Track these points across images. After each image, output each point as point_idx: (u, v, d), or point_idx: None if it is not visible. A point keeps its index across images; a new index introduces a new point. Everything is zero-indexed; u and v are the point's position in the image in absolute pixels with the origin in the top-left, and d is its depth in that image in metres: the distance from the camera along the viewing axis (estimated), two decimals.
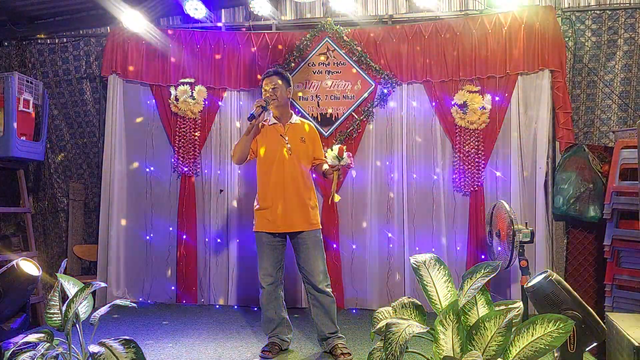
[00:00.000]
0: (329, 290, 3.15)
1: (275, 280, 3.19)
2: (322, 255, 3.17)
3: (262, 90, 3.20)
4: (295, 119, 3.29)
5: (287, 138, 3.18)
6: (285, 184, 3.12)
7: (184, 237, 4.63)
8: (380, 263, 4.46)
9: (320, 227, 3.24)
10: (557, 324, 1.79)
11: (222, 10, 4.83)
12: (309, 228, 3.15)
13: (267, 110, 3.16)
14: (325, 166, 3.16)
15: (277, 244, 3.17)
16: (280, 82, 3.18)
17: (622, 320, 2.71)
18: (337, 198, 3.23)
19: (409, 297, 2.15)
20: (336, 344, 3.12)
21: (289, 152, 3.15)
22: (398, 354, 1.70)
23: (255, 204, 3.25)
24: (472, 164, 4.29)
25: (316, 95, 4.57)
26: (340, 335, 3.20)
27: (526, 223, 3.72)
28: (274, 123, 3.23)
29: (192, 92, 4.60)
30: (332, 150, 3.06)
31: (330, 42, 4.54)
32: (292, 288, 4.45)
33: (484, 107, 4.26)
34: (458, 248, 4.37)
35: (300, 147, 3.19)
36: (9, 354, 2.44)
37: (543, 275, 2.41)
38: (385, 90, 4.46)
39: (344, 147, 3.07)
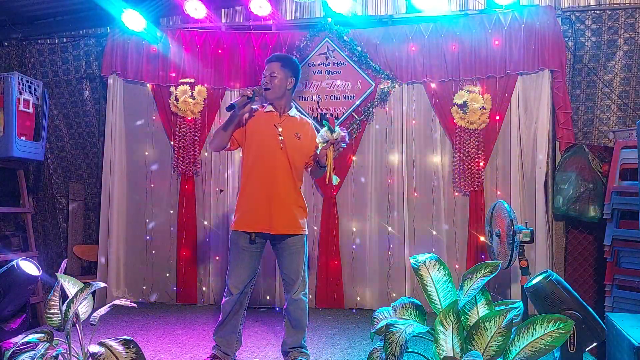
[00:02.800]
0: (305, 298, 2.91)
1: (246, 289, 2.89)
2: (304, 261, 2.91)
3: (262, 76, 2.91)
4: (295, 112, 2.97)
5: (280, 129, 2.85)
6: (273, 180, 2.81)
7: (184, 237, 4.63)
8: (380, 263, 4.46)
9: (306, 232, 2.94)
10: (557, 324, 1.79)
11: (222, 10, 4.83)
12: (294, 232, 2.85)
13: (254, 101, 2.83)
14: (318, 151, 2.79)
15: (255, 251, 2.86)
16: (280, 69, 2.85)
17: (622, 320, 2.71)
18: (335, 180, 2.81)
19: (409, 297, 2.15)
20: (293, 359, 2.89)
21: (282, 144, 2.82)
22: (398, 354, 1.70)
23: (238, 197, 2.94)
24: (472, 164, 4.29)
25: (316, 95, 4.57)
26: (305, 352, 2.95)
27: (526, 223, 3.72)
28: (270, 111, 2.91)
29: (192, 92, 4.60)
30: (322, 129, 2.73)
31: (330, 42, 4.54)
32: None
33: (484, 107, 4.25)
34: (458, 248, 4.37)
35: (294, 143, 2.85)
36: (9, 354, 2.44)
37: (543, 275, 2.41)
38: (385, 90, 4.46)
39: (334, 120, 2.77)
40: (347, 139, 2.78)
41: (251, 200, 2.85)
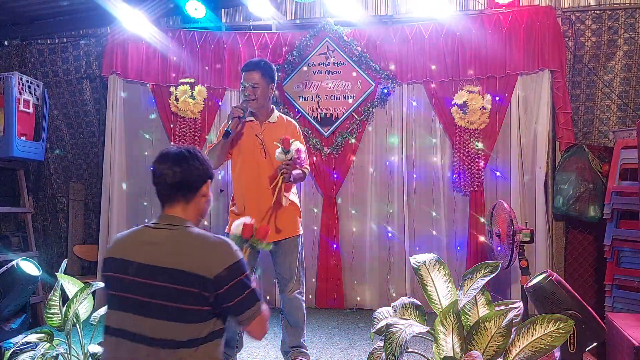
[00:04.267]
0: (300, 296, 2.92)
1: None
2: (298, 260, 2.92)
3: (241, 86, 2.91)
4: (275, 116, 2.95)
5: (262, 139, 2.87)
6: (260, 189, 2.82)
7: None
8: (380, 263, 4.46)
9: (300, 233, 2.96)
10: (557, 324, 1.80)
11: (222, 10, 4.82)
12: (285, 236, 2.87)
13: (245, 119, 2.86)
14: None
15: (250, 253, 2.82)
16: (261, 78, 2.85)
17: (622, 320, 2.71)
18: (284, 202, 2.82)
19: (409, 297, 2.16)
20: (293, 359, 2.90)
21: (265, 154, 2.84)
22: (398, 354, 1.70)
23: (230, 204, 2.99)
24: (472, 164, 4.29)
25: (316, 95, 4.57)
26: (305, 351, 2.96)
27: (526, 223, 3.72)
28: (250, 120, 2.92)
29: (192, 92, 4.60)
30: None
31: (330, 42, 4.54)
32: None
33: (484, 107, 4.25)
34: (458, 248, 4.38)
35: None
36: (9, 354, 2.44)
37: (543, 275, 2.41)
38: (385, 90, 4.46)
39: (290, 140, 2.65)
40: (302, 160, 2.71)
41: (241, 210, 2.87)
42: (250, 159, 2.87)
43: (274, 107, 3.03)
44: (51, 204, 5.12)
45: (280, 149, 2.67)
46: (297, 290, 2.93)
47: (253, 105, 2.89)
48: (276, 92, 4.54)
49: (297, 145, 2.69)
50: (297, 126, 3.06)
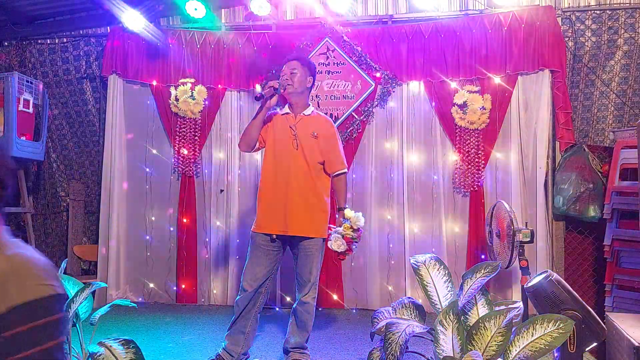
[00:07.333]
0: (313, 302, 2.92)
1: (260, 288, 2.89)
2: (318, 266, 2.92)
3: (281, 74, 2.93)
4: (311, 111, 2.96)
5: (296, 130, 2.88)
6: (289, 182, 2.82)
7: (184, 237, 4.63)
8: (380, 263, 4.46)
9: (326, 236, 2.94)
10: (557, 324, 1.80)
11: (222, 10, 4.83)
12: (309, 235, 2.85)
13: (279, 94, 2.82)
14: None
15: (273, 251, 2.89)
16: (301, 67, 2.91)
17: (622, 320, 2.71)
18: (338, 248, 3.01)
19: (409, 297, 2.16)
20: (294, 359, 2.91)
21: (297, 146, 2.85)
22: (398, 354, 1.70)
23: (258, 198, 2.96)
24: (472, 164, 4.29)
25: (316, 95, 4.57)
26: (306, 352, 2.96)
27: (526, 223, 3.72)
28: (286, 113, 2.94)
29: (192, 92, 4.60)
30: (343, 224, 2.94)
31: (330, 42, 4.54)
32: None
33: (484, 107, 4.25)
34: (458, 248, 4.37)
35: (311, 143, 2.86)
36: None
37: (543, 275, 2.41)
38: (385, 90, 4.46)
39: (352, 234, 2.91)
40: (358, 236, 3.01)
41: (268, 202, 2.88)
42: (282, 150, 2.87)
43: (310, 103, 3.03)
44: (51, 204, 5.13)
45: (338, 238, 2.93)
46: (312, 296, 2.93)
47: (289, 90, 2.87)
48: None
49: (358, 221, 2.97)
50: (333, 125, 3.04)
